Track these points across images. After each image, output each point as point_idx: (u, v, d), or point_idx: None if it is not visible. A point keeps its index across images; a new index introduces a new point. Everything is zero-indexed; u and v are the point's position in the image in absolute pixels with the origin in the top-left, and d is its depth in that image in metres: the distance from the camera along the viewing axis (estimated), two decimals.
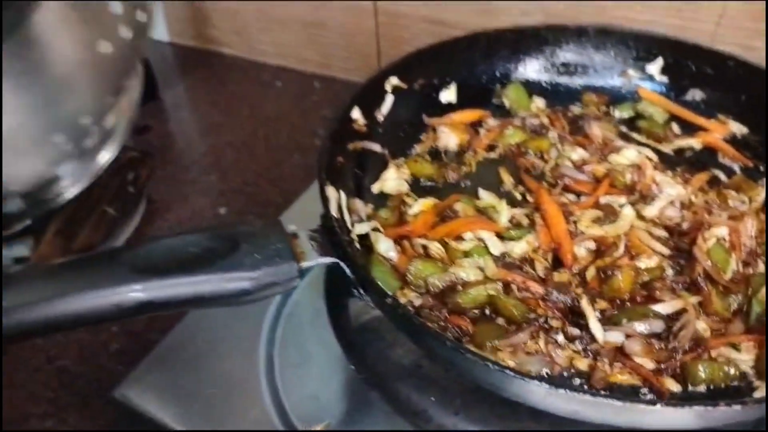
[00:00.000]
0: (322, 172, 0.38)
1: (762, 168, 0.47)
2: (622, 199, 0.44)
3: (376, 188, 0.46)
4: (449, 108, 0.53)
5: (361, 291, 0.34)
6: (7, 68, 0.31)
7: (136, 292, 0.29)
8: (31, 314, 0.27)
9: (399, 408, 0.38)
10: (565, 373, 0.36)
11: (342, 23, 0.80)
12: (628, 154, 0.46)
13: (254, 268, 0.31)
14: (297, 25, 0.83)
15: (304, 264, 0.33)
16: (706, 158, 0.49)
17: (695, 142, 0.50)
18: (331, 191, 0.39)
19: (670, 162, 0.49)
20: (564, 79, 0.55)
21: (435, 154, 0.51)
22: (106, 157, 0.42)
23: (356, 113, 0.47)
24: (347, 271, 0.34)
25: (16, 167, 0.32)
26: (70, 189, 0.41)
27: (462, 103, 0.54)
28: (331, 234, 0.35)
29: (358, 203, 0.43)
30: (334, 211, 0.38)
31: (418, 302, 0.39)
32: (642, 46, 0.53)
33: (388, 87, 0.50)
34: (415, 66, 0.51)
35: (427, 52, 0.51)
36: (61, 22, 0.35)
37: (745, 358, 0.36)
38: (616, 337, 0.36)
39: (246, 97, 0.83)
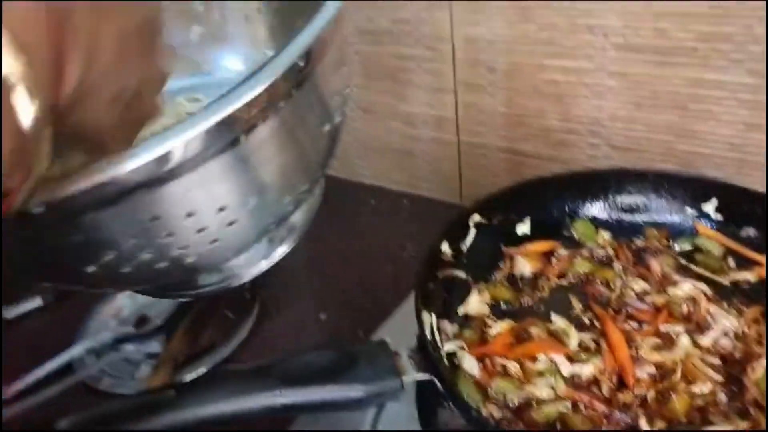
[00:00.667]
0: (418, 301, 0.47)
1: None
2: (680, 328, 0.50)
3: (461, 311, 0.55)
4: (524, 239, 0.62)
5: (451, 404, 0.42)
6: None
7: (280, 398, 0.38)
8: (206, 412, 0.36)
9: None
10: None
11: (429, 152, 0.92)
12: (684, 288, 0.52)
13: (367, 381, 0.40)
14: (390, 153, 0.95)
15: (405, 379, 0.42)
16: (761, 290, 0.54)
17: (750, 276, 0.55)
18: (425, 316, 0.48)
19: (726, 293, 0.54)
20: (627, 216, 0.62)
21: (512, 280, 0.59)
22: (282, 249, 0.51)
23: (444, 246, 0.56)
24: (439, 387, 0.42)
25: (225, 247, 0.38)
26: (249, 273, 0.50)
27: (536, 235, 0.62)
28: (425, 353, 0.44)
29: (446, 324, 0.52)
30: (428, 334, 0.47)
31: (498, 415, 0.45)
32: (697, 187, 0.60)
33: (471, 223, 0.60)
34: (494, 205, 0.60)
35: (504, 194, 0.60)
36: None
37: None
38: None
39: (344, 212, 0.95)
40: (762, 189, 0.59)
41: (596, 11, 0.70)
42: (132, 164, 0.28)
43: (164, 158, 0.29)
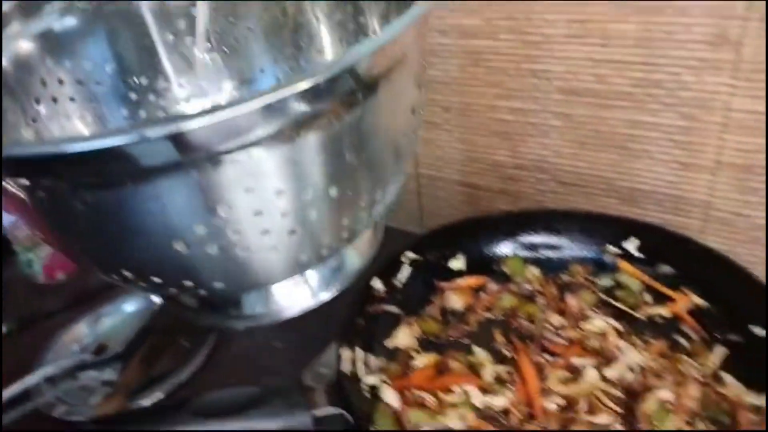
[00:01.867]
0: (340, 337, 0.51)
1: (718, 336, 0.55)
2: (588, 362, 0.53)
3: (390, 344, 0.58)
4: (458, 274, 0.65)
5: None
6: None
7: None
8: None
9: None
10: None
11: None
12: (596, 323, 0.56)
13: (278, 416, 0.43)
14: None
15: (317, 413, 0.45)
16: (673, 325, 0.58)
17: (664, 311, 0.58)
18: (346, 352, 0.51)
19: (641, 327, 0.58)
20: (554, 253, 0.66)
21: (444, 314, 0.62)
22: (331, 290, 0.53)
23: (377, 283, 0.60)
24: (350, 420, 0.46)
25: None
26: (293, 309, 0.53)
27: (469, 270, 0.65)
28: (340, 388, 0.47)
29: (371, 358, 0.55)
30: (346, 370, 0.50)
31: None
32: (619, 227, 0.64)
33: (405, 260, 0.63)
34: (428, 243, 0.64)
35: (438, 233, 0.64)
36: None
37: None
38: None
39: None
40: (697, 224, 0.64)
41: (540, 57, 0.74)
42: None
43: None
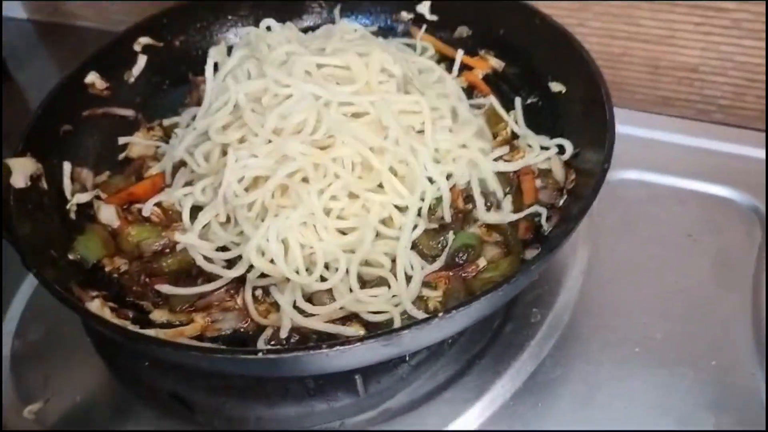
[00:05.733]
0: (20, 144, 0.38)
1: (513, 98, 0.46)
2: None
3: (122, 155, 0.45)
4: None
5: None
6: None
7: None
8: None
9: (118, 374, 0.39)
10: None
11: None
12: None
13: None
14: None
15: None
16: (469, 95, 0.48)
17: (461, 81, 0.48)
18: (23, 163, 0.38)
19: None
20: (344, 23, 0.52)
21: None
22: None
23: (93, 77, 0.45)
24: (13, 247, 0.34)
25: None
26: None
27: None
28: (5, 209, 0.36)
29: (83, 172, 0.43)
30: (19, 184, 0.37)
31: (124, 268, 0.39)
32: None
33: (138, 47, 0.49)
34: (170, 23, 0.49)
35: (185, 8, 0.49)
36: None
37: (436, 294, 0.37)
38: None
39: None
40: None
41: None
42: None
43: None
